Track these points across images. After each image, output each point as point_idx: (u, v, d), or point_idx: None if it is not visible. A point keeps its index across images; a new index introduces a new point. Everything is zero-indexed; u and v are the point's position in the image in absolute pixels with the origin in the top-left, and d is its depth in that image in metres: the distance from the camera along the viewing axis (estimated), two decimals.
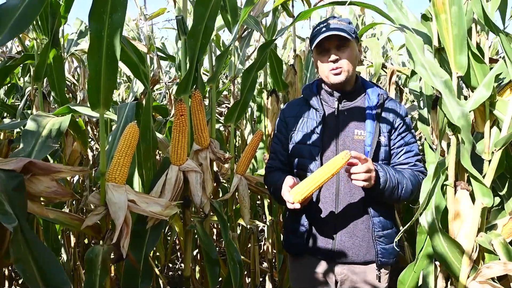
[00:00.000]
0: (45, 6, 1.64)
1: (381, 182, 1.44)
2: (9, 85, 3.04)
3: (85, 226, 1.24)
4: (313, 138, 1.60)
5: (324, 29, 1.53)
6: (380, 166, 1.48)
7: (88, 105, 2.09)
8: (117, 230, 1.20)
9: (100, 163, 1.25)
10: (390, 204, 1.62)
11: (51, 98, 2.70)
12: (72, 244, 2.66)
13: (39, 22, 1.80)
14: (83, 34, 2.99)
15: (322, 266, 1.61)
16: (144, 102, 1.54)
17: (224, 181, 2.72)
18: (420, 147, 1.92)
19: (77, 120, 2.01)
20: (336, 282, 1.61)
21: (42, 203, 1.17)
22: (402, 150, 1.60)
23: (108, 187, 1.24)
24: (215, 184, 2.08)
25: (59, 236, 2.36)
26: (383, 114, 1.59)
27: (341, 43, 1.51)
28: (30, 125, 1.38)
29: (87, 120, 2.91)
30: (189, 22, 1.63)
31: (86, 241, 3.06)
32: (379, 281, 1.59)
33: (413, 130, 1.64)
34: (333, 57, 1.52)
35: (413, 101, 3.40)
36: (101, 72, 1.11)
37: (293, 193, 1.38)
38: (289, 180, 1.48)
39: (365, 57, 3.73)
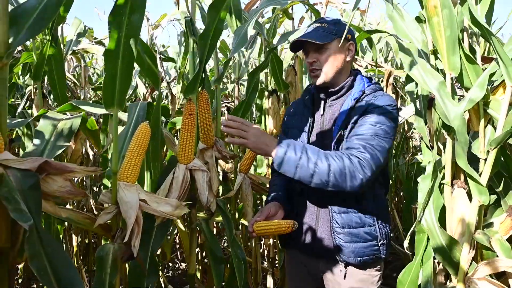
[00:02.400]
0: None
1: (279, 150, 1.35)
2: (9, 84, 3.02)
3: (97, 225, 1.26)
4: (302, 136, 1.62)
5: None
6: (284, 139, 1.41)
7: (89, 102, 2.09)
8: (129, 229, 1.21)
9: (112, 162, 1.26)
10: (361, 203, 1.50)
11: (51, 97, 2.71)
12: (75, 244, 2.67)
13: None
14: (83, 34, 2.98)
15: (306, 261, 1.63)
16: (155, 101, 1.56)
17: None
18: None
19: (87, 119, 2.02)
20: (321, 278, 1.62)
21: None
22: (353, 137, 1.44)
23: (120, 186, 1.25)
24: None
25: (61, 236, 2.36)
26: (356, 106, 1.51)
27: (318, 45, 1.51)
28: (42, 124, 1.39)
29: None
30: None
31: (86, 240, 3.06)
32: (344, 278, 1.52)
33: (384, 120, 1.43)
34: (309, 59, 1.56)
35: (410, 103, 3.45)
36: (117, 74, 1.12)
37: (256, 226, 1.48)
38: (270, 208, 1.56)
39: (362, 57, 3.77)
